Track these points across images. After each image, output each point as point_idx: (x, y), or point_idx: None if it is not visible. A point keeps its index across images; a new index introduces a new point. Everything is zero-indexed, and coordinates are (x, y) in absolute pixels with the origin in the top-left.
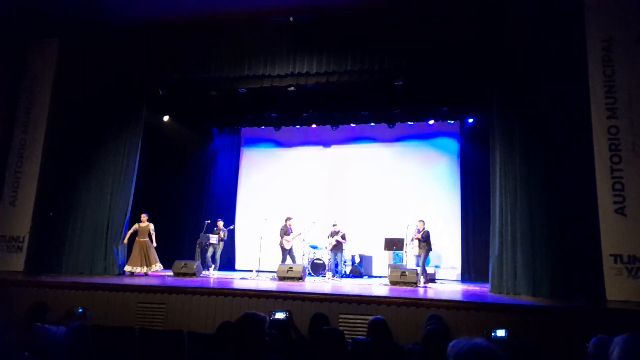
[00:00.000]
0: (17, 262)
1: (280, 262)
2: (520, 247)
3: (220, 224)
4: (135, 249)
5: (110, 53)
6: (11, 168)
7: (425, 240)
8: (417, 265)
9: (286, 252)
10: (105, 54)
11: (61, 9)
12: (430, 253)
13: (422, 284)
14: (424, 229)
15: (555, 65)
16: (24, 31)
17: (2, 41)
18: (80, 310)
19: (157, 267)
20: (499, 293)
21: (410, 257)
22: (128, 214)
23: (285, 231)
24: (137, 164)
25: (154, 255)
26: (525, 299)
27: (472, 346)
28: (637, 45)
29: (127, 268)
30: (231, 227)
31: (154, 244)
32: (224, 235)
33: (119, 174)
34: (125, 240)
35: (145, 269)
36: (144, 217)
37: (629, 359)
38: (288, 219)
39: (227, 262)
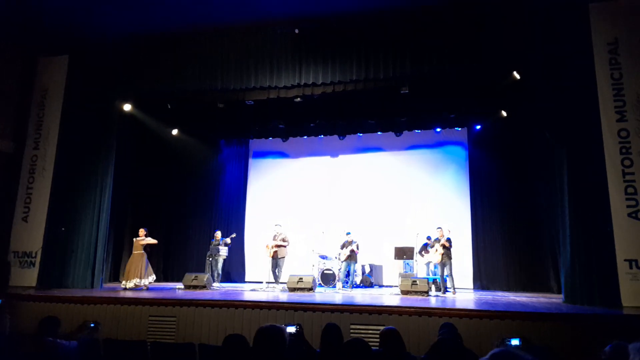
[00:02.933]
0: (30, 277)
1: (290, 273)
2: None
3: (218, 234)
4: (130, 263)
5: (115, 68)
6: (23, 184)
7: (449, 248)
8: (441, 275)
9: (272, 261)
10: (111, 69)
11: (71, 26)
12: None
13: (453, 293)
14: (443, 235)
15: (563, 69)
16: (34, 48)
17: (13, 58)
18: (92, 325)
19: (148, 281)
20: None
21: (420, 265)
22: (106, 229)
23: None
24: (111, 179)
25: (146, 268)
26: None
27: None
28: None
29: (123, 282)
30: (233, 236)
31: (146, 241)
32: (224, 244)
33: (103, 189)
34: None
35: (135, 282)
36: (142, 231)
37: None
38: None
39: (237, 274)
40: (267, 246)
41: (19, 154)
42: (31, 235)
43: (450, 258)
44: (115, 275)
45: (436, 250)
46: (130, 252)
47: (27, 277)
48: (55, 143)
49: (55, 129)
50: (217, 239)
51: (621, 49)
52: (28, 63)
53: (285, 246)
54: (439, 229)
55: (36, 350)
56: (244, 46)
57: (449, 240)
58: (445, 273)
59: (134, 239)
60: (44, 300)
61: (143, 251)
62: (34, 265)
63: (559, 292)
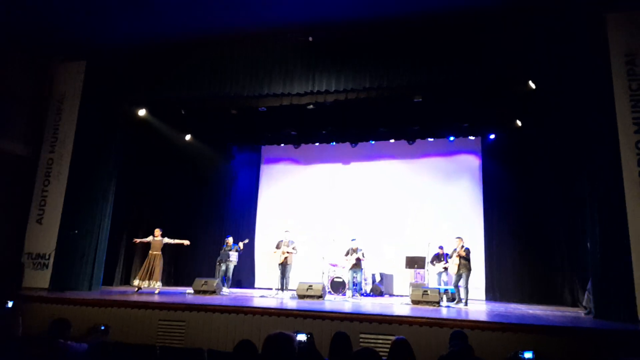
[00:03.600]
0: (43, 278)
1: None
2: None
3: (230, 240)
4: (145, 263)
5: (130, 74)
6: (38, 187)
7: (467, 258)
8: (455, 285)
9: (280, 267)
10: (126, 74)
11: (88, 33)
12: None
13: (464, 305)
14: (463, 246)
15: (579, 80)
16: (52, 54)
17: (31, 64)
18: (103, 328)
19: (157, 285)
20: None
21: (432, 275)
22: (106, 234)
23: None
24: (114, 185)
25: (158, 272)
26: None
27: None
28: None
29: (135, 282)
30: (245, 242)
31: (174, 241)
32: (236, 250)
33: (107, 194)
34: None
35: (145, 284)
36: (157, 231)
37: None
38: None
39: (247, 280)
40: (282, 252)
41: (35, 157)
42: (45, 237)
43: (468, 270)
44: (127, 278)
45: (454, 260)
46: (143, 256)
47: (40, 279)
48: (70, 147)
49: (71, 133)
50: (228, 244)
51: (639, 60)
52: (45, 68)
53: (293, 253)
54: (458, 239)
55: (47, 352)
56: (258, 53)
57: (467, 250)
58: (461, 284)
59: (151, 237)
60: (56, 302)
61: (160, 252)
62: (47, 267)
63: (574, 305)
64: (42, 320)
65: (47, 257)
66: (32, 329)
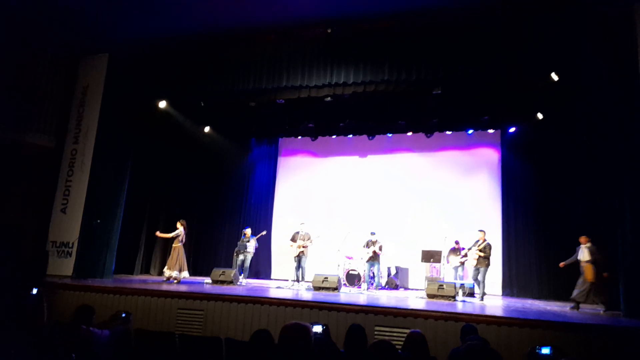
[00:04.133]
0: (67, 266)
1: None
2: None
3: (248, 232)
4: (173, 254)
5: (152, 67)
6: (63, 177)
7: (486, 255)
8: (474, 278)
9: (295, 259)
10: (148, 68)
11: (111, 27)
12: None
13: (480, 300)
14: (485, 240)
15: (605, 71)
16: (76, 48)
17: (56, 58)
18: (124, 315)
19: (185, 274)
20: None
21: (448, 269)
22: (119, 223)
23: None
24: (127, 176)
25: (184, 261)
26: None
27: None
28: None
29: (167, 272)
30: (263, 233)
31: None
32: (254, 242)
33: (122, 185)
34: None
35: (178, 274)
36: (179, 223)
37: None
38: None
39: (263, 271)
40: (299, 246)
41: (60, 148)
42: (69, 226)
43: (487, 265)
44: (147, 267)
45: (473, 254)
46: (164, 247)
47: (64, 267)
48: (93, 138)
49: (94, 125)
50: (247, 235)
51: None
52: (70, 62)
53: (308, 245)
54: (481, 232)
55: (72, 338)
56: (277, 46)
57: (487, 246)
58: (479, 278)
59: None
60: (79, 290)
61: (181, 244)
62: (70, 255)
63: (593, 302)
64: (66, 307)
65: (70, 245)
66: (57, 315)
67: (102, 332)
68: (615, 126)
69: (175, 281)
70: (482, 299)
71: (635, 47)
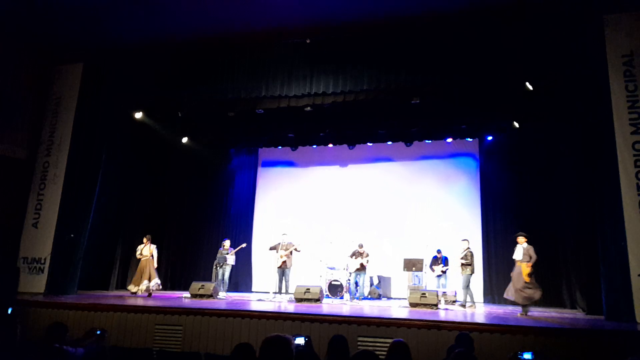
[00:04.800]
0: (39, 283)
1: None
2: None
3: (227, 243)
4: (138, 269)
5: (127, 76)
6: (34, 190)
7: (468, 262)
8: (463, 288)
9: (279, 270)
10: (123, 77)
11: (85, 35)
12: (450, 274)
13: (465, 307)
14: (467, 248)
15: (577, 81)
16: (49, 57)
17: (28, 67)
18: (99, 332)
19: (154, 282)
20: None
21: (430, 278)
22: (86, 237)
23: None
24: (97, 187)
25: (152, 271)
26: None
27: None
28: None
29: (130, 288)
30: (243, 246)
31: (155, 265)
32: (232, 254)
33: (90, 198)
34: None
35: (143, 286)
36: (145, 240)
37: None
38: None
39: (244, 283)
40: (281, 256)
41: (32, 160)
42: (41, 241)
43: (470, 272)
44: (122, 282)
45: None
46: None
47: (36, 283)
48: (67, 150)
49: (67, 136)
50: (225, 247)
51: (636, 61)
52: (42, 71)
53: (297, 251)
54: (464, 241)
55: (44, 357)
56: (256, 55)
57: (470, 253)
58: (462, 285)
59: (140, 246)
60: (52, 307)
61: (150, 257)
62: (42, 271)
63: (573, 308)
64: (39, 325)
65: (42, 261)
66: (29, 334)
67: (76, 350)
68: (589, 131)
69: (147, 294)
70: (464, 305)
71: (605, 56)
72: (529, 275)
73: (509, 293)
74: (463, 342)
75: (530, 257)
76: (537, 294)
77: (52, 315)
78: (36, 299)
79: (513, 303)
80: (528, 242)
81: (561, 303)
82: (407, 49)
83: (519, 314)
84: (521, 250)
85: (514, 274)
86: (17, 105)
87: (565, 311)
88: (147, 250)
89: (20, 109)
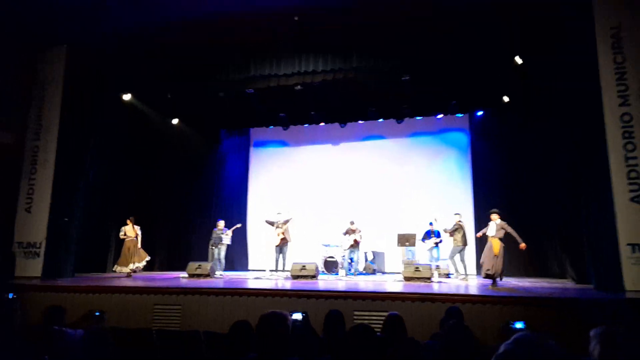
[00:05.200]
0: (35, 267)
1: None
2: None
3: (221, 224)
4: (123, 250)
5: (114, 58)
6: (25, 175)
7: (457, 232)
8: (449, 258)
9: (276, 248)
10: (110, 58)
11: (69, 16)
12: (442, 247)
13: (459, 278)
14: (458, 222)
15: (565, 53)
16: (33, 39)
17: (12, 50)
18: (98, 313)
19: (142, 263)
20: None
21: (423, 251)
22: (79, 220)
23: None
24: (91, 169)
25: (141, 251)
26: None
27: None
28: None
29: (116, 269)
30: (238, 226)
31: (139, 246)
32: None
33: (79, 180)
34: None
35: (132, 266)
36: (129, 221)
37: (610, 354)
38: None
39: (240, 262)
40: (278, 234)
41: (20, 145)
42: (35, 225)
43: (461, 244)
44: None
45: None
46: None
47: (32, 268)
48: (56, 134)
49: (55, 120)
50: (219, 227)
51: (624, 33)
52: (27, 54)
53: (287, 226)
54: (457, 215)
55: (43, 339)
56: (244, 35)
57: (459, 226)
58: (454, 257)
59: (124, 227)
60: (50, 290)
61: (135, 238)
62: (38, 255)
63: (563, 277)
64: (37, 309)
65: (38, 245)
66: (28, 318)
67: (75, 332)
68: (578, 104)
69: (133, 272)
70: (447, 275)
71: (593, 28)
72: (499, 250)
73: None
74: (453, 315)
75: (505, 232)
76: (499, 268)
77: (49, 299)
78: (33, 283)
79: (505, 275)
80: (501, 218)
81: (551, 273)
82: (395, 26)
83: (489, 286)
84: (494, 226)
85: (485, 249)
86: (2, 89)
87: (555, 281)
88: (132, 232)
89: (5, 93)
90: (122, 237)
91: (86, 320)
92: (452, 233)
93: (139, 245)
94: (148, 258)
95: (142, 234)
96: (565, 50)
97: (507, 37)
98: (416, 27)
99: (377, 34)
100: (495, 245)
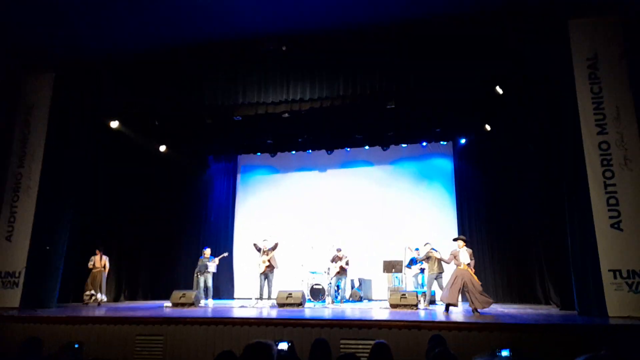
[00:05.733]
0: (13, 297)
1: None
2: None
3: (207, 252)
4: (89, 280)
5: (101, 85)
6: (7, 203)
7: (427, 260)
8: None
9: (261, 276)
10: (97, 86)
11: (57, 44)
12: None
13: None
14: (429, 251)
15: (544, 84)
16: (20, 67)
17: None
18: (77, 345)
19: (101, 298)
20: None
21: (409, 278)
22: (63, 249)
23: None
24: (72, 198)
25: (103, 283)
26: None
27: None
28: (621, 61)
29: (84, 298)
30: (225, 255)
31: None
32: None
33: (67, 209)
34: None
35: (93, 292)
36: (98, 251)
37: None
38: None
39: (226, 291)
40: (263, 261)
41: (3, 172)
42: (15, 254)
43: (436, 272)
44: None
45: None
46: (117, 271)
47: (10, 298)
48: (40, 161)
49: (40, 147)
50: (206, 255)
51: (600, 64)
52: (13, 81)
53: (274, 251)
54: (427, 245)
55: None
56: (232, 62)
57: (433, 252)
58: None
59: (93, 257)
60: (28, 322)
61: (102, 268)
62: (17, 285)
63: (547, 303)
64: (14, 341)
65: (17, 275)
66: (5, 350)
67: None
68: (557, 132)
69: (96, 303)
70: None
71: (570, 59)
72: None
73: (453, 298)
74: (437, 343)
75: (472, 260)
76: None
77: (27, 330)
78: (11, 314)
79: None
80: (467, 246)
81: (536, 299)
82: (381, 55)
83: (475, 314)
84: (466, 254)
85: (465, 279)
86: None
87: (540, 307)
88: (99, 262)
89: None
90: (90, 267)
91: (64, 352)
92: (426, 261)
93: (104, 276)
94: (105, 299)
95: (110, 265)
96: (544, 80)
97: (489, 68)
98: (400, 55)
99: (363, 62)
100: (472, 275)
